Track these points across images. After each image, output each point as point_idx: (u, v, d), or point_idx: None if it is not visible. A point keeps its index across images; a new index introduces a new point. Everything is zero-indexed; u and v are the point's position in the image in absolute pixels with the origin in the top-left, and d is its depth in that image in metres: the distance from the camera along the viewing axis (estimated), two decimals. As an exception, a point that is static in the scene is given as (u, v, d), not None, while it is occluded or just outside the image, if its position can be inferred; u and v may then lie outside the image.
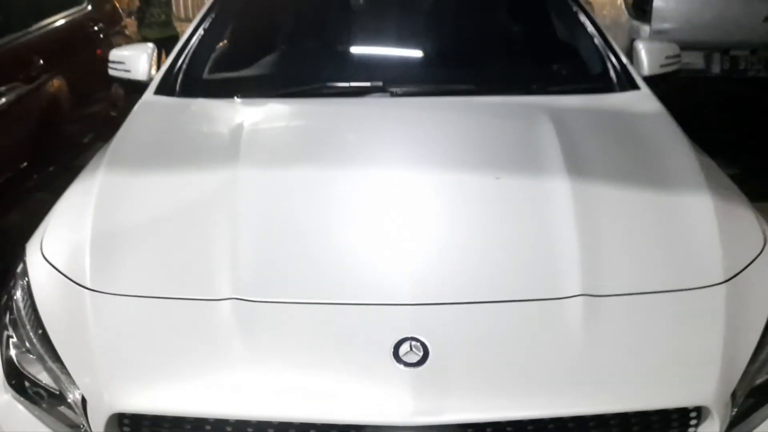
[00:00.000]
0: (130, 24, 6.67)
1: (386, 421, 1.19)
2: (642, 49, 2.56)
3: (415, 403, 1.18)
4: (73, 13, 4.36)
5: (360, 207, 1.65)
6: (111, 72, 2.70)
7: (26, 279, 1.53)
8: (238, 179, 1.71)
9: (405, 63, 2.54)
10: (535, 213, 1.60)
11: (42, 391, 1.41)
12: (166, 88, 2.37)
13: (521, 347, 1.29)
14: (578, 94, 2.28)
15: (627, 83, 2.35)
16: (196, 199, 1.69)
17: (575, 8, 2.64)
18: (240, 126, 2.01)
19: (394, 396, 1.20)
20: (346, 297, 1.38)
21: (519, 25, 2.84)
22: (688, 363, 1.29)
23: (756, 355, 1.35)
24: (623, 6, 5.32)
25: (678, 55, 2.67)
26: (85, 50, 4.42)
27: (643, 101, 2.24)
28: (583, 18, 2.60)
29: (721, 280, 1.42)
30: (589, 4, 6.02)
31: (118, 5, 5.60)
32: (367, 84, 2.28)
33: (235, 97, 2.27)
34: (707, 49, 5.09)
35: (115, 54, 2.72)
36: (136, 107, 2.29)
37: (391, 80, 2.29)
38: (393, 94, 2.24)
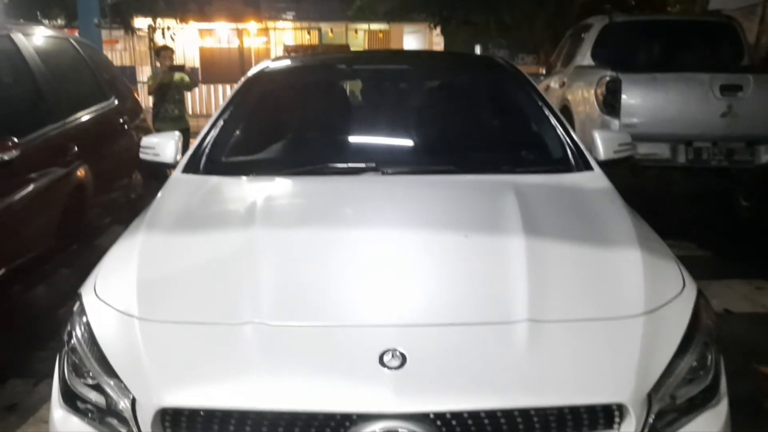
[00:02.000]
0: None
1: (375, 411, 1.52)
2: (598, 137, 3.02)
3: (396, 397, 1.53)
4: (102, 108, 4.84)
5: (356, 256, 2.03)
6: (142, 156, 3.12)
7: (84, 316, 1.89)
8: (256, 236, 2.11)
9: (394, 147, 3.01)
10: (494, 260, 1.99)
11: (90, 407, 1.74)
12: (191, 167, 2.81)
13: (478, 358, 1.63)
14: (541, 173, 2.71)
15: (582, 165, 2.78)
16: (222, 252, 2.07)
17: (540, 103, 3.13)
18: (255, 196, 2.43)
19: (380, 392, 1.54)
20: (344, 320, 1.75)
21: (492, 116, 3.35)
22: (610, 372, 1.63)
23: (668, 371, 1.68)
24: (596, 104, 5.87)
25: (630, 143, 3.11)
26: (109, 141, 4.88)
27: (594, 180, 2.67)
28: (547, 111, 3.08)
29: (640, 312, 1.78)
30: (567, 100, 6.63)
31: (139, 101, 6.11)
32: (362, 165, 2.72)
33: (251, 175, 2.71)
34: (672, 141, 5.57)
35: (146, 141, 3.15)
36: (167, 183, 2.71)
37: (382, 161, 2.73)
38: (384, 173, 2.67)
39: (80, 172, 4.20)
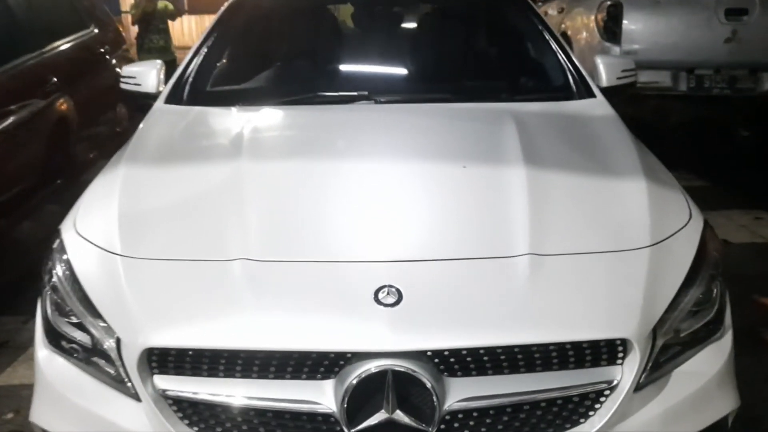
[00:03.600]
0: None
1: (370, 349, 1.45)
2: (600, 63, 2.88)
3: (392, 334, 1.45)
4: (82, 37, 4.65)
5: (349, 189, 1.93)
6: (123, 85, 2.98)
7: (64, 253, 1.80)
8: (243, 169, 2.00)
9: (387, 75, 2.87)
10: (493, 192, 1.89)
11: (76, 346, 1.67)
12: (174, 97, 2.67)
13: (477, 293, 1.56)
14: (541, 101, 2.58)
15: (585, 92, 2.66)
16: (208, 185, 1.97)
17: (540, 26, 2.97)
18: (242, 128, 2.30)
19: (375, 329, 1.46)
20: (336, 256, 1.66)
21: (491, 41, 3.19)
22: (615, 306, 1.56)
23: (673, 305, 1.63)
24: (596, 30, 5.68)
25: (633, 69, 2.99)
26: (90, 71, 4.70)
27: (597, 107, 2.55)
28: (547, 36, 2.93)
29: (646, 245, 1.70)
30: (566, 27, 6.41)
31: (122, 31, 5.89)
32: (354, 93, 2.58)
33: (237, 105, 2.58)
34: (674, 68, 5.42)
35: (127, 70, 3.01)
36: (149, 113, 2.59)
37: (375, 90, 2.59)
38: (377, 102, 2.54)
39: (61, 104, 4.06)
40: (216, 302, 1.56)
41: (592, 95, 2.65)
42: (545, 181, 1.92)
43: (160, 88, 2.86)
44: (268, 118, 2.52)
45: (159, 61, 3.04)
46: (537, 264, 1.61)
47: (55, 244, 1.86)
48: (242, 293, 1.56)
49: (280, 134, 2.43)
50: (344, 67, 2.98)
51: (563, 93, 2.65)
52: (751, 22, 5.27)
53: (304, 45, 3.08)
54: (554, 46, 2.87)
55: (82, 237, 1.81)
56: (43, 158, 3.89)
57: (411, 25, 3.38)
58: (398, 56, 2.92)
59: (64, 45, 4.35)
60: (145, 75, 2.87)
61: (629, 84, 2.95)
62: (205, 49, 2.90)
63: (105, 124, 4.86)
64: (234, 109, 2.56)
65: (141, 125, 2.49)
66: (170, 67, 8.36)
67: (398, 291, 1.53)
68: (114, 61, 4.99)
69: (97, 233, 1.80)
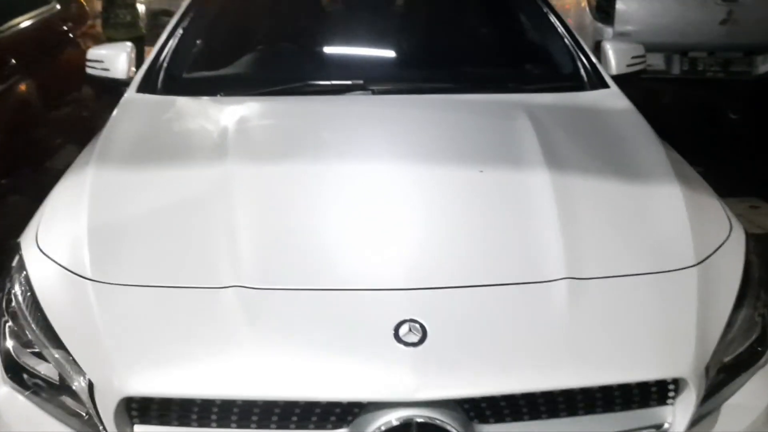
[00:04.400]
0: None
1: (390, 398, 1.24)
2: (610, 49, 2.67)
3: (417, 381, 1.24)
4: (42, 13, 4.31)
5: (352, 199, 1.69)
6: (89, 71, 2.70)
7: (24, 272, 1.55)
8: (231, 174, 1.75)
9: (385, 62, 2.61)
10: (518, 203, 1.67)
11: (41, 382, 1.43)
12: (148, 86, 2.39)
13: (512, 327, 1.36)
14: (551, 92, 2.36)
15: (597, 82, 2.45)
16: (190, 192, 1.72)
17: (546, 9, 2.74)
18: (226, 123, 2.05)
19: (398, 375, 1.25)
20: (346, 283, 1.44)
21: (495, 26, 2.93)
22: (666, 339, 1.37)
23: (726, 332, 1.44)
24: (587, 9, 5.46)
25: (643, 56, 2.79)
26: (53, 51, 4.37)
27: (613, 99, 2.34)
28: (554, 20, 2.70)
29: (693, 263, 1.51)
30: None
31: (86, 5, 5.54)
32: (348, 82, 2.33)
33: (219, 95, 2.31)
34: (667, 50, 5.24)
35: (93, 53, 2.72)
36: (120, 105, 2.31)
37: (371, 78, 2.34)
38: (374, 92, 2.30)
39: (22, 87, 3.74)
40: (206, 340, 1.33)
41: (605, 85, 2.44)
42: (572, 188, 1.71)
43: (131, 74, 2.59)
44: (255, 111, 2.25)
45: (129, 44, 2.75)
46: (576, 290, 1.41)
47: (14, 261, 1.61)
48: (237, 328, 1.34)
49: (270, 131, 2.15)
50: (336, 52, 2.71)
51: (575, 83, 2.44)
52: (747, 2, 5.10)
53: (291, 25, 2.79)
54: (562, 30, 2.65)
55: (45, 254, 1.56)
56: (4, 145, 3.58)
57: (410, 6, 3.09)
58: (395, 40, 2.66)
59: (23, 23, 4.01)
60: (113, 59, 2.59)
61: (638, 72, 2.76)
62: (180, 31, 2.61)
63: (70, 107, 4.54)
64: (215, 100, 2.29)
65: (110, 120, 2.21)
66: (137, 45, 7.97)
67: (422, 327, 1.31)
68: (78, 40, 4.65)
69: (62, 250, 1.55)
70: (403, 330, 1.30)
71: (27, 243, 1.63)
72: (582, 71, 2.49)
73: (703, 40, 5.19)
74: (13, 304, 1.51)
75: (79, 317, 1.41)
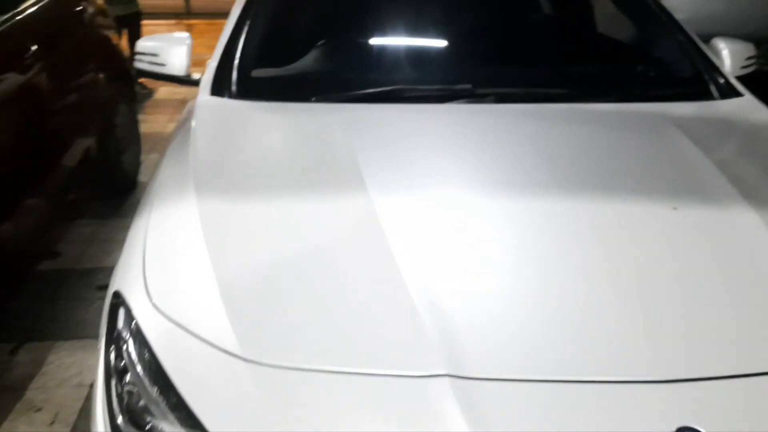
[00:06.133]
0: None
1: None
2: (725, 48, 2.41)
3: None
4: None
5: (553, 255, 1.37)
6: (138, 65, 2.41)
7: (136, 333, 1.26)
8: (380, 212, 1.45)
9: (494, 63, 2.28)
10: (735, 253, 1.38)
11: None
12: (222, 88, 2.08)
13: None
14: (688, 101, 2.10)
15: (727, 89, 2.19)
16: (337, 235, 1.41)
17: (656, 9, 2.46)
18: (342, 140, 1.75)
19: None
20: (586, 372, 1.13)
21: (608, 27, 2.64)
22: None
23: None
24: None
25: (755, 56, 2.55)
26: (71, 34, 3.98)
27: (755, 110, 2.09)
28: (667, 19, 2.43)
29: None
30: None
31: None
32: (456, 87, 2.05)
33: (311, 101, 2.01)
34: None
35: (144, 45, 2.41)
36: (197, 111, 1.99)
37: (479, 83, 2.06)
38: (483, 100, 2.02)
39: (42, 79, 3.36)
40: None
41: (736, 93, 2.19)
42: None
43: (189, 70, 2.29)
44: (368, 123, 1.91)
45: (186, 34, 2.44)
46: None
47: (120, 320, 1.31)
48: (453, 421, 1.05)
49: (401, 153, 1.78)
50: (438, 48, 2.37)
51: (708, 91, 2.17)
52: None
53: (379, 18, 2.43)
54: (679, 32, 2.38)
55: (166, 316, 1.26)
56: (24, 143, 3.22)
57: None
58: (502, 35, 2.35)
59: (39, 3, 3.61)
60: (170, 52, 2.28)
61: (748, 75, 2.52)
62: (249, 21, 2.29)
63: (86, 94, 4.15)
64: (310, 108, 1.99)
65: (189, 126, 1.90)
66: (134, 21, 7.52)
67: None
68: (94, 19, 4.25)
69: (192, 314, 1.25)
70: None
71: (135, 298, 1.32)
72: (707, 76, 2.23)
73: (752, 32, 4.93)
74: (130, 375, 1.22)
75: (228, 401, 1.12)
